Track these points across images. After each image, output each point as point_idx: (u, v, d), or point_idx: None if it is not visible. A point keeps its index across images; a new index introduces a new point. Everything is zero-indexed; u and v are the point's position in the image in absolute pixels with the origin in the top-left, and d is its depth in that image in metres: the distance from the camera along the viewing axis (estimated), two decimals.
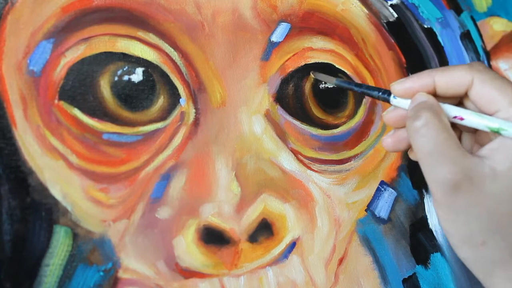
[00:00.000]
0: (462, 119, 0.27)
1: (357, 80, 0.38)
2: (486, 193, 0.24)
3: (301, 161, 0.36)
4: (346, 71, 0.37)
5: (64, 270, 0.29)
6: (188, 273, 0.32)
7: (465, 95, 0.27)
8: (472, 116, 0.26)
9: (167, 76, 0.33)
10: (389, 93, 0.29)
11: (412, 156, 0.30)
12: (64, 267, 0.29)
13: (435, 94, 0.28)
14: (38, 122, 0.30)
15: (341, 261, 0.36)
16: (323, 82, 0.37)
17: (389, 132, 0.30)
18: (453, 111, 0.27)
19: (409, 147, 0.30)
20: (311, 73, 0.36)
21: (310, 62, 0.37)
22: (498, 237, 0.25)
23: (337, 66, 0.37)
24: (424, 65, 0.40)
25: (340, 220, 0.36)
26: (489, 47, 0.44)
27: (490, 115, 0.26)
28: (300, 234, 0.35)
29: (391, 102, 0.29)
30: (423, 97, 0.27)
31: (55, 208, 0.30)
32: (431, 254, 0.38)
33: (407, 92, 0.28)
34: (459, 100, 0.28)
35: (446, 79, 0.27)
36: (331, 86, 0.37)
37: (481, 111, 0.27)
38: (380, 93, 0.30)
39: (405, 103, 0.28)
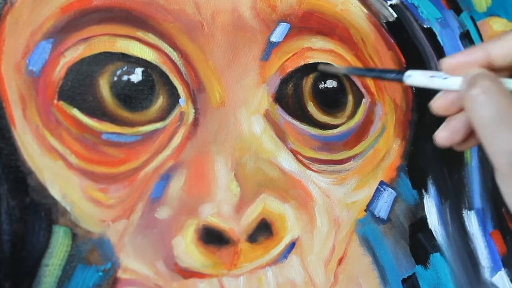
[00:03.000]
0: None
1: (356, 81, 0.38)
2: None
3: (300, 161, 0.36)
4: None
5: (63, 270, 0.29)
6: (187, 273, 0.32)
7: None
8: None
9: (167, 76, 0.33)
10: (403, 73, 0.28)
11: (462, 147, 0.28)
12: (63, 267, 0.29)
13: (493, 69, 0.25)
14: (37, 122, 0.30)
15: (340, 261, 0.36)
16: (322, 82, 0.37)
17: (442, 125, 0.28)
18: None
19: (466, 137, 0.28)
20: (318, 67, 0.35)
21: (309, 62, 0.37)
22: None
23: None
24: (424, 65, 0.40)
25: (340, 220, 0.36)
26: None
27: None
28: (300, 234, 0.35)
29: (405, 82, 0.27)
30: (477, 69, 0.25)
31: (54, 208, 0.30)
32: (431, 254, 0.38)
33: (459, 67, 0.26)
34: None
35: (504, 48, 0.25)
36: (331, 86, 0.37)
37: None
38: (394, 75, 0.28)
39: (454, 83, 0.26)
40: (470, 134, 0.28)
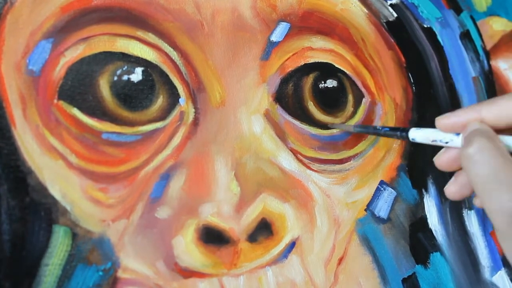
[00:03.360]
0: None
1: (356, 80, 0.38)
2: None
3: (300, 161, 0.36)
4: (345, 70, 0.37)
5: (63, 270, 0.29)
6: (187, 273, 0.32)
7: None
8: None
9: (167, 75, 0.33)
10: (407, 131, 0.29)
11: (450, 193, 0.29)
12: (63, 267, 0.29)
13: None
14: (37, 122, 0.30)
15: (340, 260, 0.36)
16: (322, 82, 0.37)
17: (450, 181, 0.29)
18: (509, 141, 0.25)
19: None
20: (329, 125, 0.36)
21: (309, 62, 0.37)
22: None
23: (336, 65, 0.37)
24: (424, 64, 0.40)
25: (340, 220, 0.36)
26: (488, 46, 0.44)
27: None
28: (300, 234, 0.35)
29: (410, 139, 0.29)
30: (476, 124, 0.26)
31: (54, 208, 0.30)
32: (431, 254, 0.38)
33: (452, 128, 0.27)
34: None
35: (495, 112, 0.25)
36: (331, 86, 0.37)
37: None
38: (399, 132, 0.30)
39: (455, 142, 0.27)
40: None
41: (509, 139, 0.25)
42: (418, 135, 0.30)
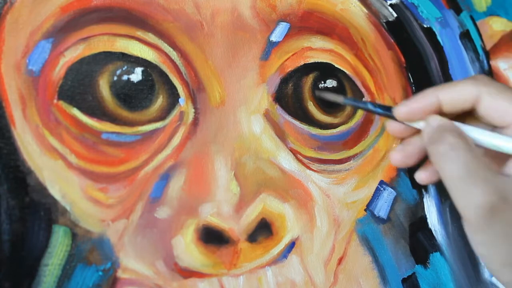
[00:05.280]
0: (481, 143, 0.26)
1: (356, 80, 0.38)
2: None
3: (300, 161, 0.36)
4: (345, 70, 0.37)
5: (63, 270, 0.29)
6: (187, 273, 0.32)
7: (472, 109, 0.26)
8: (492, 137, 0.25)
9: (166, 75, 0.33)
10: (390, 110, 0.29)
11: (421, 179, 0.30)
12: (63, 267, 0.29)
13: (441, 112, 0.27)
14: (37, 122, 0.30)
15: (340, 260, 0.36)
16: (322, 82, 0.37)
17: (397, 147, 0.30)
18: (470, 132, 0.26)
19: (418, 162, 0.30)
20: (315, 92, 0.36)
21: (309, 62, 0.37)
22: None
23: (336, 65, 0.37)
24: (424, 64, 0.40)
25: (339, 220, 0.36)
26: (488, 46, 0.44)
27: (502, 128, 0.25)
28: (299, 234, 0.35)
29: (396, 118, 0.29)
30: (438, 119, 0.26)
31: (54, 208, 0.30)
32: (431, 254, 0.38)
33: (413, 114, 0.28)
34: (466, 116, 0.28)
35: (451, 95, 0.26)
36: (331, 86, 0.37)
37: (492, 124, 0.26)
38: (384, 111, 0.30)
39: (416, 123, 0.28)
40: (424, 160, 0.30)
41: (469, 129, 0.26)
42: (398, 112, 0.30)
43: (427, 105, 0.27)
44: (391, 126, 0.30)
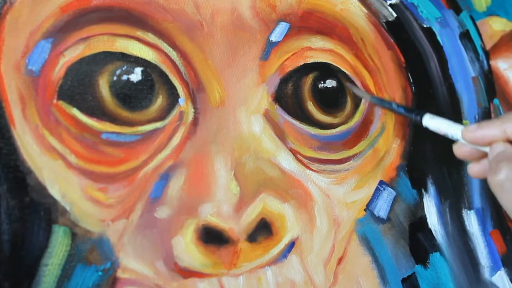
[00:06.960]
0: None
1: (356, 80, 0.38)
2: None
3: (300, 161, 0.36)
4: (345, 70, 0.37)
5: (62, 270, 0.29)
6: (187, 273, 0.32)
7: None
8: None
9: (166, 75, 0.33)
10: (422, 116, 0.29)
11: (473, 172, 0.31)
12: (63, 267, 0.29)
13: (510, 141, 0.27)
14: (37, 122, 0.30)
15: (340, 260, 0.36)
16: (322, 82, 0.37)
17: (476, 161, 0.31)
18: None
19: None
20: (346, 84, 0.36)
21: (309, 62, 0.37)
22: None
23: (336, 65, 0.37)
24: (423, 64, 0.40)
25: (339, 220, 0.36)
26: (488, 46, 0.44)
27: None
28: (299, 234, 0.35)
29: (423, 125, 0.30)
30: (501, 146, 0.27)
31: (54, 208, 0.30)
32: (430, 254, 0.38)
33: (478, 141, 0.28)
34: None
35: None
36: (330, 86, 0.37)
37: None
38: (413, 115, 0.31)
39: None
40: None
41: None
42: (432, 123, 0.30)
43: (494, 136, 0.28)
44: (459, 151, 0.30)
